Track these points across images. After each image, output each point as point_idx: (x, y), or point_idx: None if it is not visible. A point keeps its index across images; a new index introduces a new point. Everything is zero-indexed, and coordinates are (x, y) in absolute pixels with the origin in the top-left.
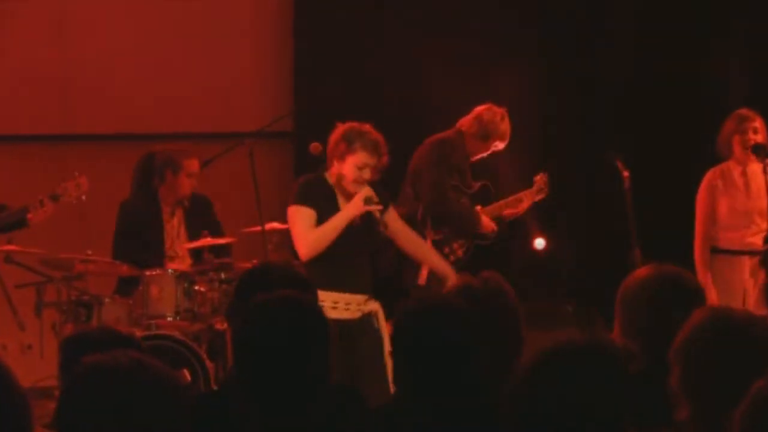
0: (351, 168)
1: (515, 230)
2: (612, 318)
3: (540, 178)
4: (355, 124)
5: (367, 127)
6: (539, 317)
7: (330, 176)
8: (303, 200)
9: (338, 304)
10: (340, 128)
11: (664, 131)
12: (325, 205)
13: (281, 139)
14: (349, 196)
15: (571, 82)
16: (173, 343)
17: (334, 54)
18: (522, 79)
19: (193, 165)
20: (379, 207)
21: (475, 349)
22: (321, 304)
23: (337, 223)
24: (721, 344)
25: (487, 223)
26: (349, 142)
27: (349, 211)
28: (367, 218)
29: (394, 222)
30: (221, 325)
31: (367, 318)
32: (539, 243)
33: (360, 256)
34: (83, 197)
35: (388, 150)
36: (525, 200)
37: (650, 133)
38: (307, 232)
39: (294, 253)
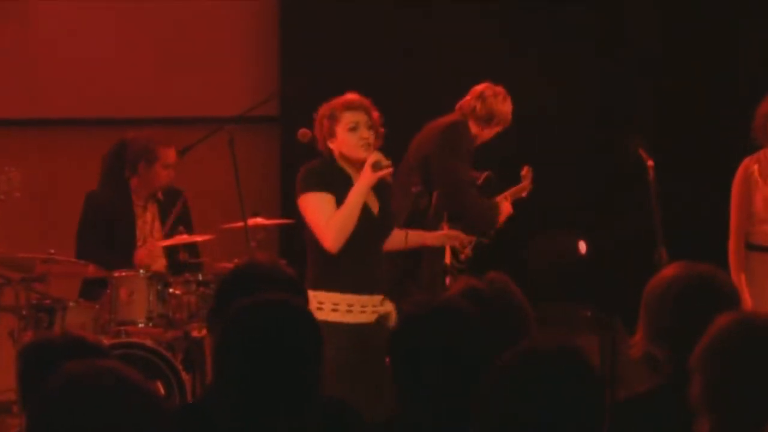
0: (344, 136)
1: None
2: (634, 324)
3: (527, 172)
4: (330, 101)
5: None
6: (553, 323)
7: (338, 160)
8: (318, 185)
9: (353, 307)
10: (318, 113)
11: (693, 114)
12: (341, 188)
13: (266, 124)
14: (359, 174)
15: (586, 61)
16: (145, 352)
17: (324, 30)
18: (527, 63)
19: (169, 155)
20: (390, 170)
21: (481, 357)
22: (335, 307)
23: (354, 200)
24: (747, 352)
25: (505, 216)
26: (330, 115)
27: (362, 183)
28: (383, 198)
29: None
30: (199, 333)
31: (383, 320)
32: (582, 246)
33: (377, 246)
34: (16, 194)
35: (384, 135)
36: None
37: (677, 117)
38: (332, 218)
39: (282, 251)
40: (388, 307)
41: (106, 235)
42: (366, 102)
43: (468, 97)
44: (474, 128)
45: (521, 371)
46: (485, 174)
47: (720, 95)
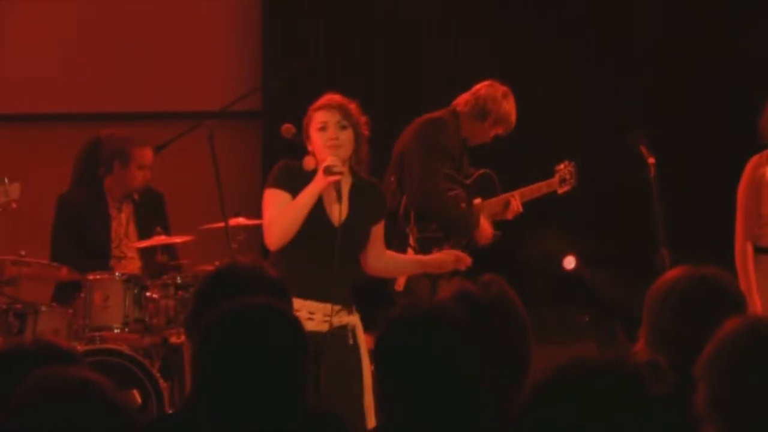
0: (315, 136)
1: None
2: (635, 330)
3: (564, 167)
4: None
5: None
6: (550, 329)
7: (309, 168)
8: (281, 183)
9: (299, 313)
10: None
11: (697, 110)
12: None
13: (248, 119)
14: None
15: (587, 56)
16: (121, 359)
17: (308, 21)
18: (530, 52)
19: (145, 155)
20: (338, 177)
21: (475, 367)
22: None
23: (301, 201)
24: (755, 359)
25: (485, 228)
26: (308, 116)
27: (312, 185)
28: (358, 212)
29: (375, 233)
30: (177, 339)
31: (339, 332)
32: (569, 262)
33: (341, 256)
34: (13, 205)
35: (371, 131)
36: (532, 194)
37: (681, 113)
38: (276, 216)
39: (265, 253)
40: (348, 319)
41: (79, 237)
42: (347, 103)
43: (465, 93)
44: (467, 126)
45: (568, 388)
46: (479, 172)
47: (725, 90)
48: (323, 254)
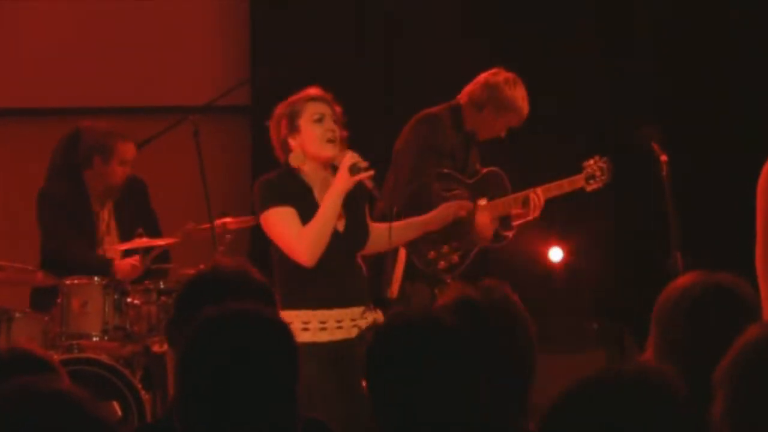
0: (309, 128)
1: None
2: (644, 338)
3: (594, 163)
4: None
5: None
6: (556, 338)
7: (295, 165)
8: (279, 199)
9: (327, 324)
10: (273, 116)
11: (712, 105)
12: (300, 202)
13: (235, 114)
14: (324, 183)
15: (592, 48)
16: (100, 369)
17: (299, 11)
18: (531, 44)
19: (128, 150)
20: (370, 173)
21: (474, 379)
22: (305, 326)
23: (329, 208)
24: None
25: (483, 227)
26: (291, 111)
27: (336, 188)
28: (353, 208)
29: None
30: (160, 347)
31: (368, 333)
32: (555, 253)
33: (349, 259)
34: None
35: (365, 126)
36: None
37: (695, 107)
38: (304, 231)
39: (252, 256)
40: (374, 316)
41: (69, 235)
42: (329, 96)
43: (469, 84)
44: (470, 118)
45: (599, 401)
46: (486, 171)
47: (740, 84)
48: (335, 262)
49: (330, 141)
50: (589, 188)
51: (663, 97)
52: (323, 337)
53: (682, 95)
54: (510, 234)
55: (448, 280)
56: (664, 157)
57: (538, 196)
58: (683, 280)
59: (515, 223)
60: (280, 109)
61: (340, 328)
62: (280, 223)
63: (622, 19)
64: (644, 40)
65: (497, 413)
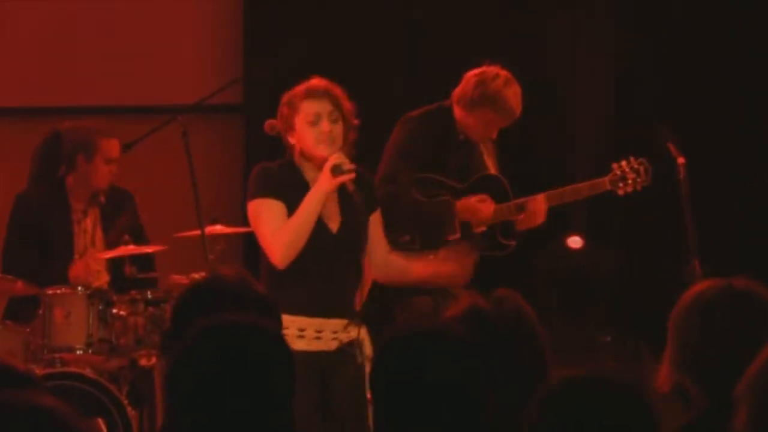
0: (303, 129)
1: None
2: (661, 351)
3: (625, 165)
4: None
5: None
6: (569, 349)
7: (297, 159)
8: (267, 191)
9: (305, 332)
10: (281, 100)
11: (731, 106)
12: (295, 196)
13: (228, 114)
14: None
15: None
16: (84, 384)
17: (293, 6)
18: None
19: (112, 148)
20: (351, 175)
21: (484, 393)
22: (285, 331)
23: (307, 209)
24: None
25: (480, 216)
26: (289, 104)
27: (317, 189)
28: (352, 210)
29: (373, 230)
30: (147, 361)
31: (347, 349)
32: (574, 241)
33: (341, 265)
34: None
35: (362, 125)
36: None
37: (713, 109)
38: (279, 230)
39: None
40: (357, 331)
41: (38, 245)
42: (334, 89)
43: (462, 82)
44: (460, 118)
45: (569, 404)
46: (479, 175)
47: (740, 84)
48: (325, 266)
49: (325, 143)
50: (620, 192)
51: (663, 97)
52: (300, 345)
53: (682, 95)
54: (512, 242)
55: (455, 292)
56: (681, 159)
57: (538, 203)
58: (698, 287)
59: (519, 228)
60: (285, 97)
61: (318, 338)
62: (262, 216)
63: (625, 19)
64: (647, 39)
65: (507, 425)
